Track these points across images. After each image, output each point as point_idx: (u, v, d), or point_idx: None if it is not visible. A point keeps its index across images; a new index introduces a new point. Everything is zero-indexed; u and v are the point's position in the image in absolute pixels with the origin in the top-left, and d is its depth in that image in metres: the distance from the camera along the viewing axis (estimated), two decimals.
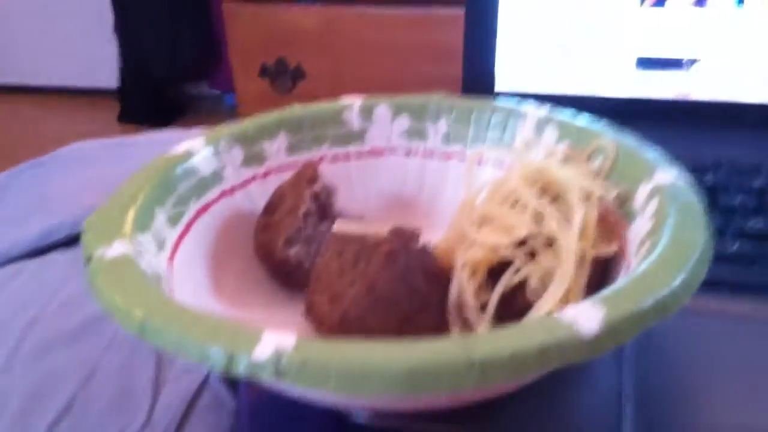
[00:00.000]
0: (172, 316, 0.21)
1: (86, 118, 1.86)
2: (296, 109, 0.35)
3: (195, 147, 0.31)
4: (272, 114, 0.34)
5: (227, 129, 0.33)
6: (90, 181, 0.44)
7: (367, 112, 0.35)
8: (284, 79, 1.60)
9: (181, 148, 0.31)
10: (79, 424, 0.32)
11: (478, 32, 0.46)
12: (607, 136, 0.30)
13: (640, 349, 0.27)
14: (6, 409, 0.32)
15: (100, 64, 1.87)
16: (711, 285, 0.26)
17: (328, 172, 0.33)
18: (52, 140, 1.72)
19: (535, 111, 0.33)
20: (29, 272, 0.38)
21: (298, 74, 1.60)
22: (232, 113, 1.86)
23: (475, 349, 0.19)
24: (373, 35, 1.51)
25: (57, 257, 0.39)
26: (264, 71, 1.59)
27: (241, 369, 0.19)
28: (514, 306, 0.26)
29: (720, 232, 0.34)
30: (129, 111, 1.81)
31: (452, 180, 0.35)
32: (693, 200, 0.25)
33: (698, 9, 0.43)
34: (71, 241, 0.40)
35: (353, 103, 0.36)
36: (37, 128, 1.82)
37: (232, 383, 0.34)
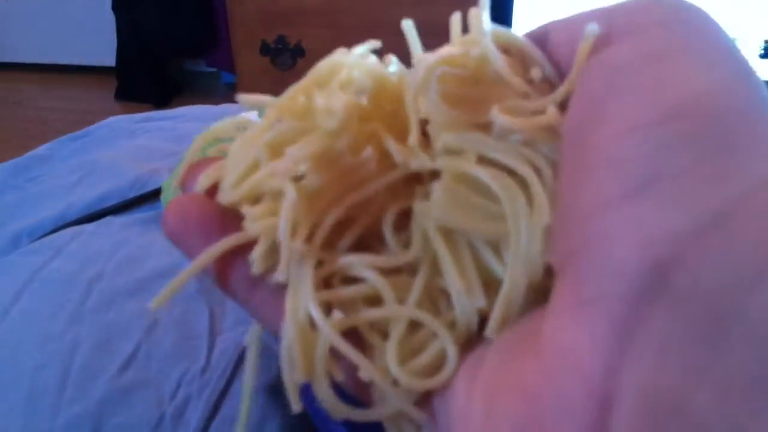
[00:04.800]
0: None
1: (84, 95, 1.86)
2: None
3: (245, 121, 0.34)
4: None
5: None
6: (135, 150, 0.46)
7: None
8: (284, 56, 1.61)
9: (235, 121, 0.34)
10: (144, 369, 0.35)
11: None
12: None
13: None
14: (76, 356, 0.35)
15: (98, 41, 1.86)
16: None
17: None
18: (51, 117, 1.74)
19: None
20: (88, 234, 0.41)
21: (298, 52, 1.61)
22: (229, 91, 1.86)
23: None
24: (373, 13, 1.52)
25: (113, 220, 0.42)
26: (264, 48, 1.60)
27: None
28: None
29: None
30: (126, 88, 1.80)
31: None
32: None
33: None
34: (125, 205, 0.43)
35: None
36: (35, 105, 1.83)
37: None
